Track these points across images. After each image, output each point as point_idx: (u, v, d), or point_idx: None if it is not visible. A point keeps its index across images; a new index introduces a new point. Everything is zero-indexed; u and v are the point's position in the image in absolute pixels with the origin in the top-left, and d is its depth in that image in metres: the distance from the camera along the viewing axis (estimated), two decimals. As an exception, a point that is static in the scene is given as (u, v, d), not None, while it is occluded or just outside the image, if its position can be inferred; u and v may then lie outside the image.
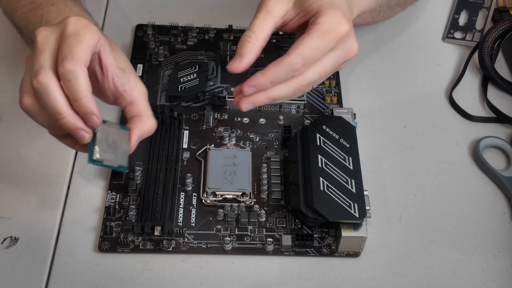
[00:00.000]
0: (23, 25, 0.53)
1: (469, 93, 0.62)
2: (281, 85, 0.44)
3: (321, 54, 0.43)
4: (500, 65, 0.63)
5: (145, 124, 0.43)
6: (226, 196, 0.51)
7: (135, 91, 0.43)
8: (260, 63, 0.62)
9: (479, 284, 0.49)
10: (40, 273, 0.48)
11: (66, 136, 0.42)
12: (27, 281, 0.47)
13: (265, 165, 0.54)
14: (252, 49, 0.44)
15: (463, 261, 0.50)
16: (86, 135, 0.40)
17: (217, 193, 0.51)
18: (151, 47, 0.62)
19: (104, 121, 0.42)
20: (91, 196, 0.52)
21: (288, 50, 0.43)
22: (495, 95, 0.61)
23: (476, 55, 0.63)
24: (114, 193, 0.52)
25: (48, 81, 0.38)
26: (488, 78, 0.62)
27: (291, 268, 0.49)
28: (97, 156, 0.41)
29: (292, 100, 0.59)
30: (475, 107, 0.61)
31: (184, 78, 0.59)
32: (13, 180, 0.52)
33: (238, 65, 0.44)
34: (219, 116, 0.58)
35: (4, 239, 0.49)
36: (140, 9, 0.67)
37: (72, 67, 0.38)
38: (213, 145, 0.55)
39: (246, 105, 0.45)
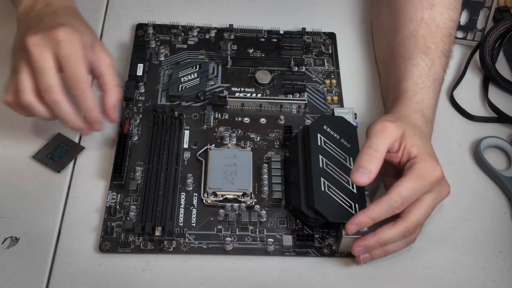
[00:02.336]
0: None
1: (470, 93, 0.62)
2: (389, 228, 0.47)
3: (417, 195, 0.47)
4: (501, 65, 0.63)
5: (109, 95, 0.51)
6: (227, 196, 0.51)
7: (102, 64, 0.50)
8: (262, 63, 0.62)
9: (480, 284, 0.49)
10: (40, 273, 0.47)
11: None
12: (28, 281, 0.47)
13: (266, 165, 0.54)
14: (378, 164, 0.47)
15: (464, 261, 0.50)
16: (88, 133, 0.52)
17: (217, 193, 0.51)
18: (152, 47, 0.62)
19: None
20: (91, 196, 0.52)
21: (388, 191, 0.47)
22: (496, 95, 0.61)
23: (477, 54, 0.63)
24: (115, 193, 0.52)
25: (60, 99, 0.48)
26: (489, 77, 0.62)
27: (292, 269, 0.49)
28: None
29: (293, 99, 0.58)
30: (476, 107, 0.60)
31: (184, 78, 0.59)
32: (14, 180, 0.52)
33: (367, 179, 0.46)
34: (219, 116, 0.58)
35: (5, 239, 0.49)
36: (141, 8, 0.66)
37: (82, 89, 0.48)
38: (213, 145, 0.55)
39: (357, 249, 0.47)
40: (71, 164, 0.54)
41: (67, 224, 0.50)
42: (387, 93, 0.58)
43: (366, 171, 0.46)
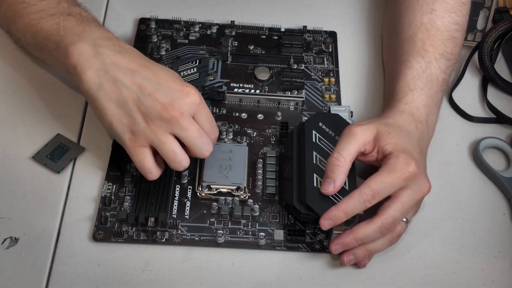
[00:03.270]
0: (31, 31, 0.53)
1: (469, 94, 0.61)
2: (365, 225, 0.47)
3: (389, 189, 0.47)
4: (500, 66, 0.63)
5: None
6: (221, 189, 0.51)
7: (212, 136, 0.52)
8: (262, 59, 0.62)
9: (479, 285, 0.49)
10: (40, 273, 0.47)
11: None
12: (28, 281, 0.47)
13: (261, 160, 0.54)
14: (342, 172, 0.47)
15: (463, 262, 0.50)
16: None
17: (212, 186, 0.51)
18: (153, 41, 0.63)
19: None
20: (91, 196, 0.52)
21: (360, 185, 0.47)
22: (495, 96, 0.61)
23: (476, 55, 0.63)
24: (111, 184, 0.52)
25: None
26: (488, 78, 0.62)
27: (287, 265, 0.49)
28: None
29: (291, 96, 0.59)
30: (475, 108, 0.60)
31: (184, 72, 0.59)
32: (13, 181, 0.52)
33: (333, 189, 0.47)
34: (217, 111, 0.58)
35: (5, 240, 0.49)
36: (143, 2, 0.67)
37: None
38: (210, 139, 0.55)
39: (335, 247, 0.47)
40: (70, 164, 0.54)
41: (66, 225, 0.50)
42: (385, 96, 0.58)
43: (331, 180, 0.47)
